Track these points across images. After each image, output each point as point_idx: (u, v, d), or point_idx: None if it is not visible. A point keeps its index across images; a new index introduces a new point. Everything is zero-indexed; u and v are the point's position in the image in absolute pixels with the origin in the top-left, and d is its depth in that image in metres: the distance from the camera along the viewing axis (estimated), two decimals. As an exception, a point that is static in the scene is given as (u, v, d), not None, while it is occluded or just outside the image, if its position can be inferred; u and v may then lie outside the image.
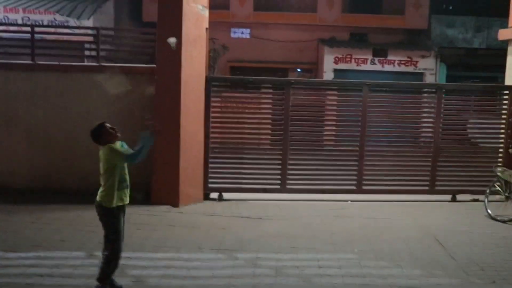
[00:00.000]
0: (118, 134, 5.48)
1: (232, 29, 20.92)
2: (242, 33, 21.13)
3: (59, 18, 17.67)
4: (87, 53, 11.30)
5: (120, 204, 5.50)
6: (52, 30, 13.99)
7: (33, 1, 18.62)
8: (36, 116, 9.69)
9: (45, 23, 17.30)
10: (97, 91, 9.64)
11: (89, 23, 17.22)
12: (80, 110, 9.55)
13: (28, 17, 17.87)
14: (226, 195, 9.95)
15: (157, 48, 9.15)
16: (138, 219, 8.20)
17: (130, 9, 20.88)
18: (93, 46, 10.37)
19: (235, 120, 10.29)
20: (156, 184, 9.16)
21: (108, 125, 5.48)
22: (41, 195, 9.31)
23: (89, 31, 11.50)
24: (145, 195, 9.23)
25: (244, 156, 10.34)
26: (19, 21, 17.34)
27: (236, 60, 20.60)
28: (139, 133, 5.43)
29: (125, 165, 5.51)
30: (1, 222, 7.92)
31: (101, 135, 5.39)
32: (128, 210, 8.46)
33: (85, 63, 10.62)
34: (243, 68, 20.15)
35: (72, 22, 17.14)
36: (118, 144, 5.47)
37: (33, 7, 18.15)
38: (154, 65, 9.23)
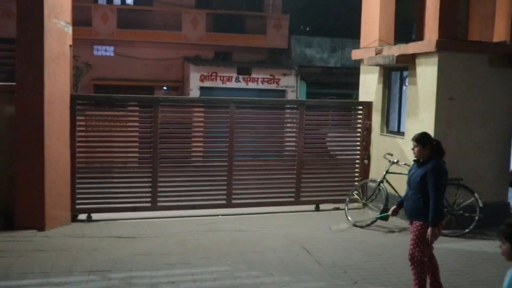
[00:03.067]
0: None
1: (95, 47, 20.49)
2: (106, 50, 20.77)
3: None
4: None
5: None
6: None
7: None
8: None
9: None
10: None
11: None
12: None
13: None
14: (95, 216, 9.66)
15: (17, 66, 8.76)
16: (0, 246, 7.79)
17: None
18: None
19: (103, 139, 10.10)
20: (20, 208, 8.69)
21: None
22: None
23: None
24: (6, 220, 8.76)
25: (113, 175, 10.16)
26: None
27: (100, 78, 20.16)
28: None
29: None
30: None
31: None
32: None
33: None
34: (108, 86, 19.78)
35: None
36: None
37: None
38: (13, 83, 8.83)
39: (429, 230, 5.74)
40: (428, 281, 6.05)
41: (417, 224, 5.85)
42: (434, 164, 5.79)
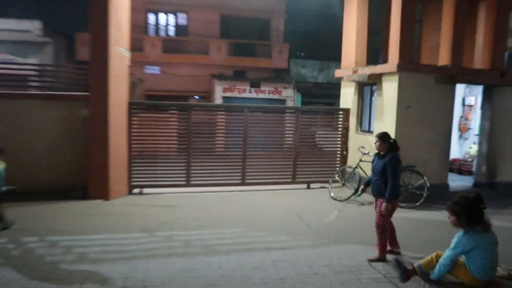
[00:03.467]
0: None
1: (146, 67, 20.51)
2: (154, 69, 20.79)
3: (8, 57, 16.47)
4: (32, 84, 10.72)
5: None
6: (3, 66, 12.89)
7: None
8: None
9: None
10: (42, 113, 9.19)
11: (33, 61, 16.22)
12: (30, 128, 9.07)
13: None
14: (145, 190, 9.79)
15: (90, 81, 8.89)
16: (78, 211, 7.95)
17: (65, 51, 19.92)
18: (38, 79, 9.88)
19: (150, 134, 10.17)
20: (92, 184, 8.85)
21: None
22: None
23: (35, 67, 10.92)
24: (83, 192, 8.93)
25: (158, 160, 10.26)
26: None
27: (149, 90, 20.22)
28: None
29: None
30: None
31: None
32: (70, 204, 8.26)
33: (34, 92, 9.97)
34: (155, 96, 19.83)
35: (19, 60, 16.04)
36: None
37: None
38: (88, 93, 8.95)
39: (383, 205, 5.80)
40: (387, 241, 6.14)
41: (381, 201, 5.90)
42: (391, 156, 5.83)
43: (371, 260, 5.86)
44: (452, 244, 3.87)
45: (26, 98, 9.28)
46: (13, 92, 9.36)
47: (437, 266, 3.93)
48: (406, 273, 4.03)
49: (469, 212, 3.78)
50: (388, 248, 6.11)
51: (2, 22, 18.22)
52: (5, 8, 22.30)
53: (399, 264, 4.21)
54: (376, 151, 6.07)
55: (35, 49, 17.41)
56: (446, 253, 3.89)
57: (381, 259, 5.88)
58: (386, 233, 5.94)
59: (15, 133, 8.98)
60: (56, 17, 21.73)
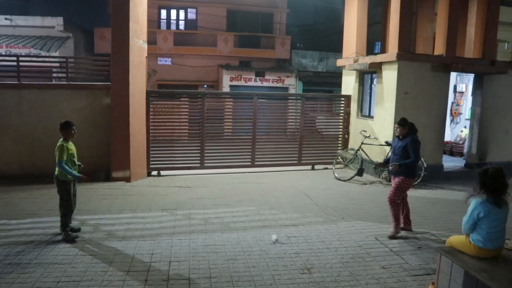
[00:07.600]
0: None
1: (159, 58, 20.25)
2: (166, 61, 20.52)
3: (34, 51, 16.24)
4: (55, 75, 10.58)
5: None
6: (29, 59, 12.67)
7: (13, 39, 17.02)
8: (22, 122, 8.88)
9: (23, 54, 15.77)
10: (67, 102, 9.04)
11: (56, 54, 16.00)
12: (56, 116, 8.90)
13: (10, 51, 16.27)
14: (163, 172, 9.66)
15: (111, 71, 8.70)
16: (103, 192, 7.84)
17: (85, 44, 19.66)
18: (63, 70, 9.70)
19: (167, 120, 10.01)
20: (115, 166, 8.73)
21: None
22: (29, 179, 8.58)
23: (60, 59, 10.75)
24: (106, 175, 8.82)
25: (175, 144, 10.11)
26: (3, 53, 15.68)
27: (162, 80, 20.00)
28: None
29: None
30: (2, 199, 7.25)
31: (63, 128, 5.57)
32: (95, 185, 8.16)
33: (58, 82, 9.83)
34: (167, 85, 19.64)
35: (43, 54, 15.80)
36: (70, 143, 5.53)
37: (14, 44, 16.60)
38: (109, 83, 8.79)
39: (392, 164, 5.76)
40: (402, 218, 5.99)
41: (398, 178, 5.77)
42: (411, 138, 5.73)
43: (390, 237, 5.68)
44: (470, 208, 3.76)
45: (52, 88, 9.12)
46: (40, 83, 9.21)
47: (462, 226, 3.81)
48: None
49: (479, 179, 3.71)
50: (402, 225, 5.97)
51: (28, 19, 18.00)
52: (30, 6, 22.03)
53: None
54: (396, 135, 5.95)
55: (57, 44, 17.16)
56: (466, 216, 3.78)
57: (396, 234, 5.73)
58: (398, 208, 5.77)
59: (43, 120, 8.86)
60: (76, 14, 21.48)
